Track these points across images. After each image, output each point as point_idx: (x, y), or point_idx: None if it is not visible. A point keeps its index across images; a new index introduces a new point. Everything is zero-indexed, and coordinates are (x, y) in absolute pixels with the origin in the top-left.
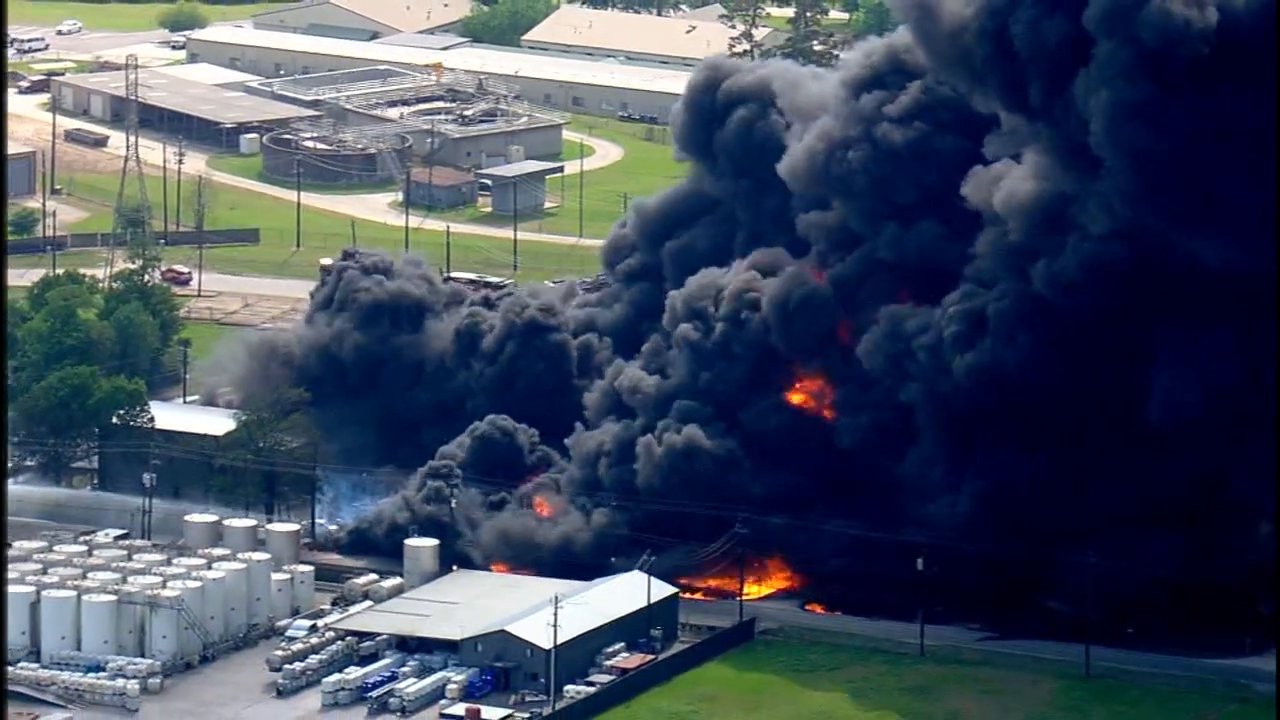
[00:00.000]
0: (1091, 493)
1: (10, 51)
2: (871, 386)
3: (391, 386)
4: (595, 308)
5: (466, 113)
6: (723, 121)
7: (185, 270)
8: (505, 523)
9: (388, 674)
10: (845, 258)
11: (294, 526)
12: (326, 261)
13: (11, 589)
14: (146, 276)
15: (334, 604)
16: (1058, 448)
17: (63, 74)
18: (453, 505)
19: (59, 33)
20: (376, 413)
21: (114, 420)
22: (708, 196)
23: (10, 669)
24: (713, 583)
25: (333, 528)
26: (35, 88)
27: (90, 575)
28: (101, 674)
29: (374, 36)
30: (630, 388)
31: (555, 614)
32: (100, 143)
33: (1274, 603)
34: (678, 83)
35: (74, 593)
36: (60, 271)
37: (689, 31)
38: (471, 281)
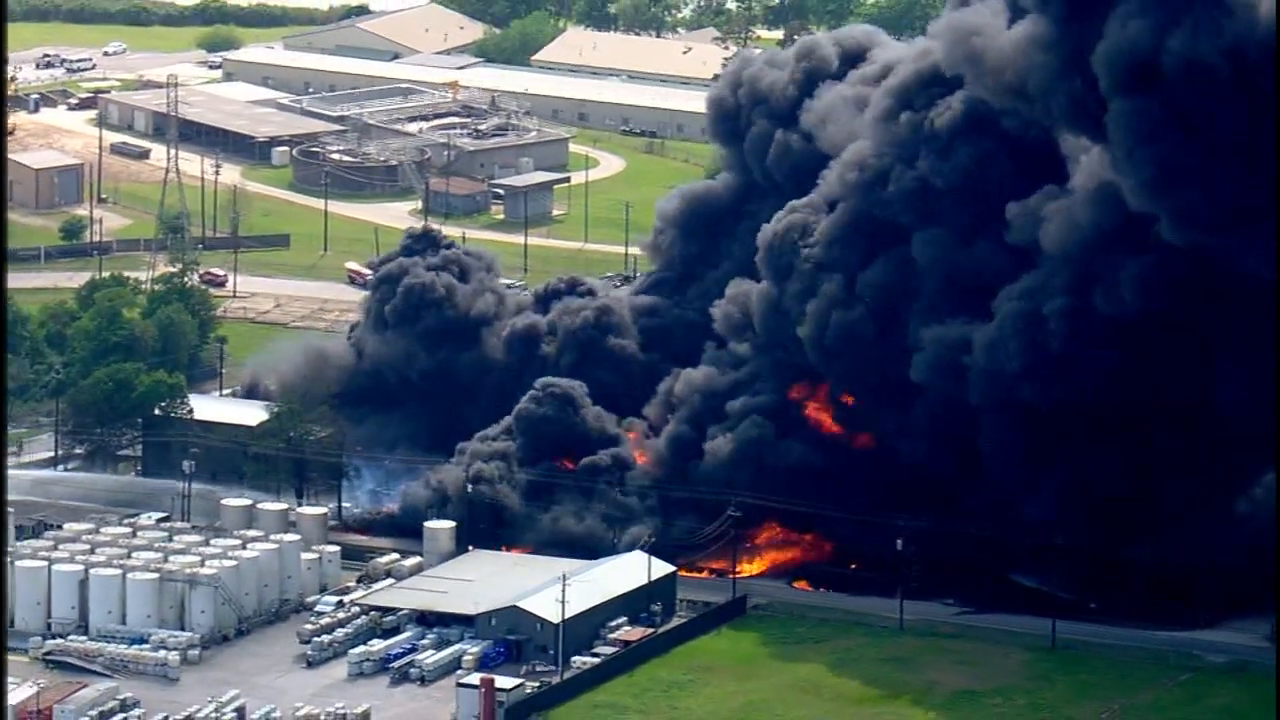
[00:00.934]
0: (1162, 486)
1: (60, 71)
2: (913, 400)
3: (453, 400)
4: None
5: (480, 127)
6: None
7: (221, 273)
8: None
9: (408, 646)
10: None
11: (322, 510)
12: (353, 266)
13: (61, 567)
14: (186, 279)
15: (359, 581)
16: (1129, 444)
17: (109, 92)
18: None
19: (105, 54)
20: (436, 425)
21: (156, 412)
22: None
23: (60, 641)
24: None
25: (384, 508)
26: (83, 104)
27: (134, 555)
28: (145, 646)
29: (395, 57)
30: (692, 390)
31: (563, 591)
32: (143, 155)
33: (1275, 596)
34: (676, 100)
35: (119, 571)
36: (106, 274)
37: (686, 52)
38: None
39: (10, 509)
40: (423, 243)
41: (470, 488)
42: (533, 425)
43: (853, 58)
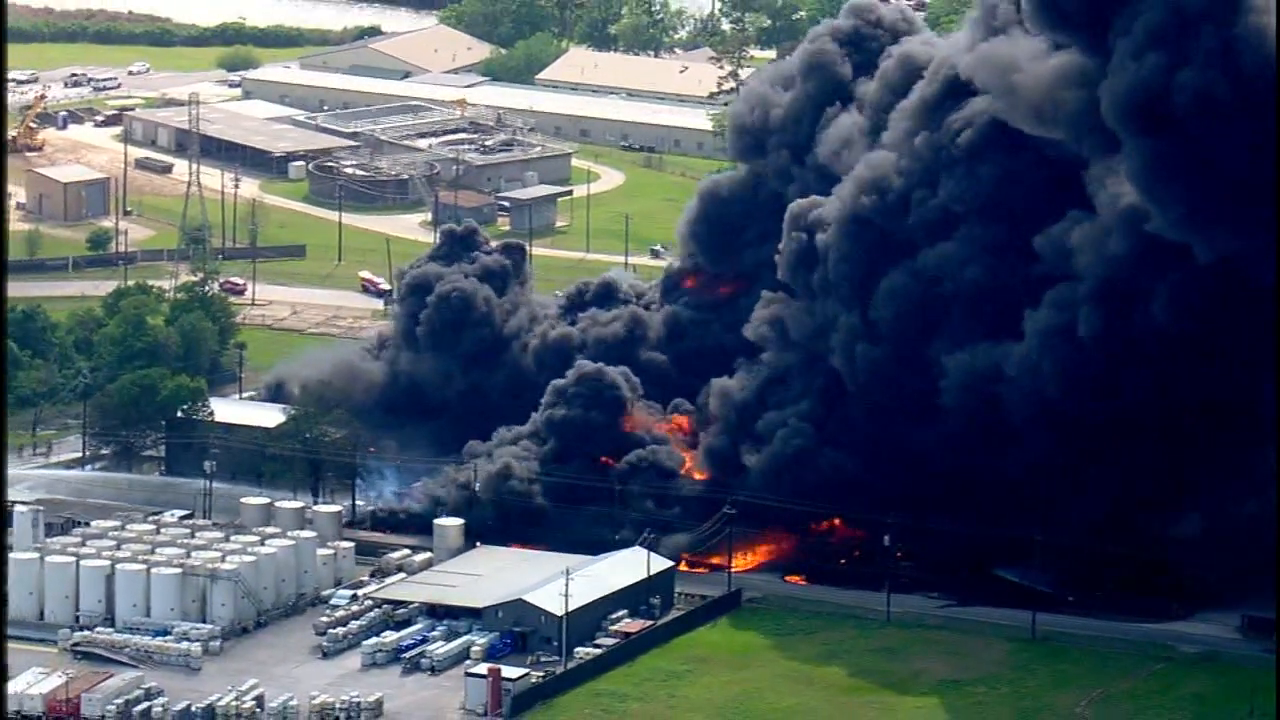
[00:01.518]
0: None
1: (87, 89)
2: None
3: (487, 414)
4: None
5: (487, 143)
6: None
7: (241, 281)
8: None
9: (419, 638)
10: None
11: (337, 508)
12: (366, 275)
13: (89, 563)
14: (207, 287)
15: (372, 576)
16: (1171, 445)
17: (133, 109)
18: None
19: (130, 73)
20: (467, 436)
21: (178, 414)
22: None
23: (88, 633)
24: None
25: (409, 504)
26: (109, 121)
27: (158, 551)
28: (168, 637)
29: (406, 76)
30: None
31: (566, 585)
32: (166, 170)
33: (1276, 595)
34: (673, 116)
35: (144, 566)
36: (131, 283)
37: (682, 71)
38: None
39: (40, 507)
40: (459, 245)
41: (485, 488)
42: (569, 422)
43: (864, 65)
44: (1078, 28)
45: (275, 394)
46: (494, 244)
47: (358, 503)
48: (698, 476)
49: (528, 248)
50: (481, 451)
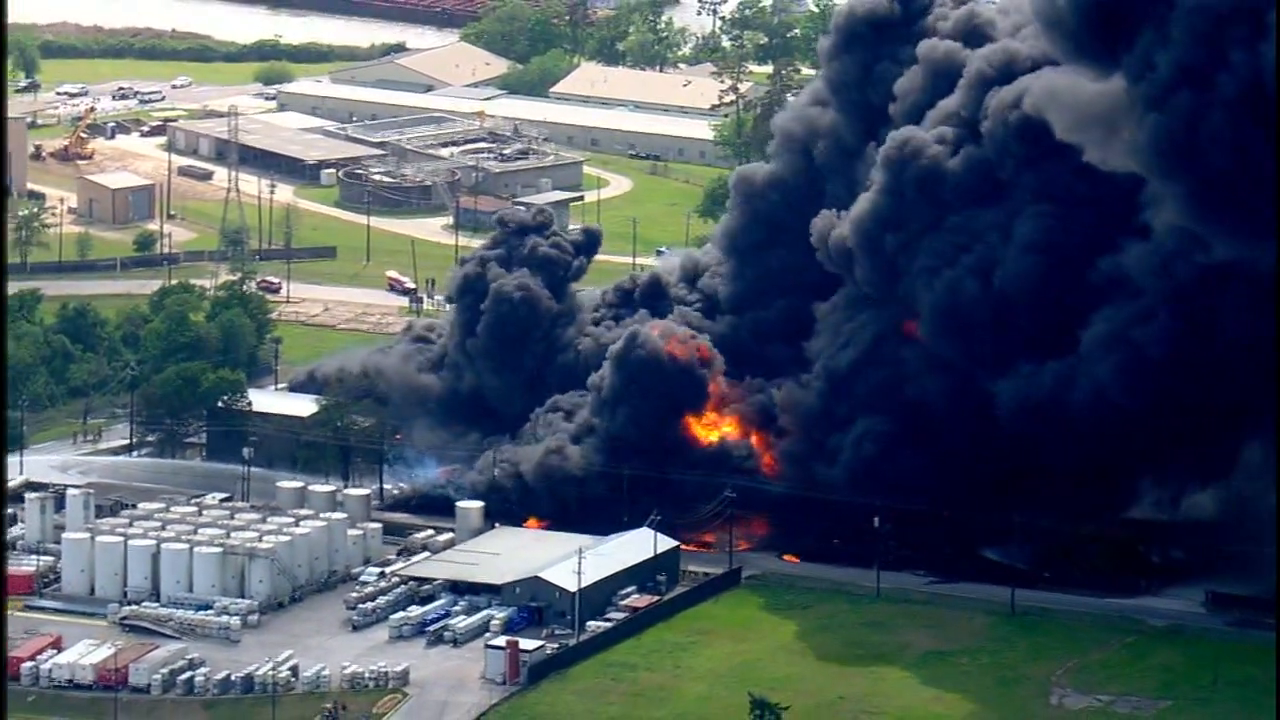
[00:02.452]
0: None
1: (133, 102)
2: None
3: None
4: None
5: (504, 152)
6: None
7: (276, 280)
8: None
9: (442, 612)
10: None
11: (366, 491)
12: (392, 274)
13: (136, 542)
14: (244, 286)
15: (399, 554)
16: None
17: (176, 120)
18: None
19: (173, 86)
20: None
21: (219, 404)
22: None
23: (135, 607)
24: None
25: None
26: (154, 131)
27: (200, 531)
28: (210, 612)
29: (429, 89)
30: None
31: (579, 563)
32: (207, 176)
33: (1276, 593)
34: (677, 127)
35: (187, 545)
36: (175, 282)
37: (686, 85)
38: None
39: (90, 490)
40: (520, 234)
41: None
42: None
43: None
44: (1095, 57)
45: (304, 385)
46: (574, 225)
47: (386, 486)
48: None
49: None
50: (530, 436)
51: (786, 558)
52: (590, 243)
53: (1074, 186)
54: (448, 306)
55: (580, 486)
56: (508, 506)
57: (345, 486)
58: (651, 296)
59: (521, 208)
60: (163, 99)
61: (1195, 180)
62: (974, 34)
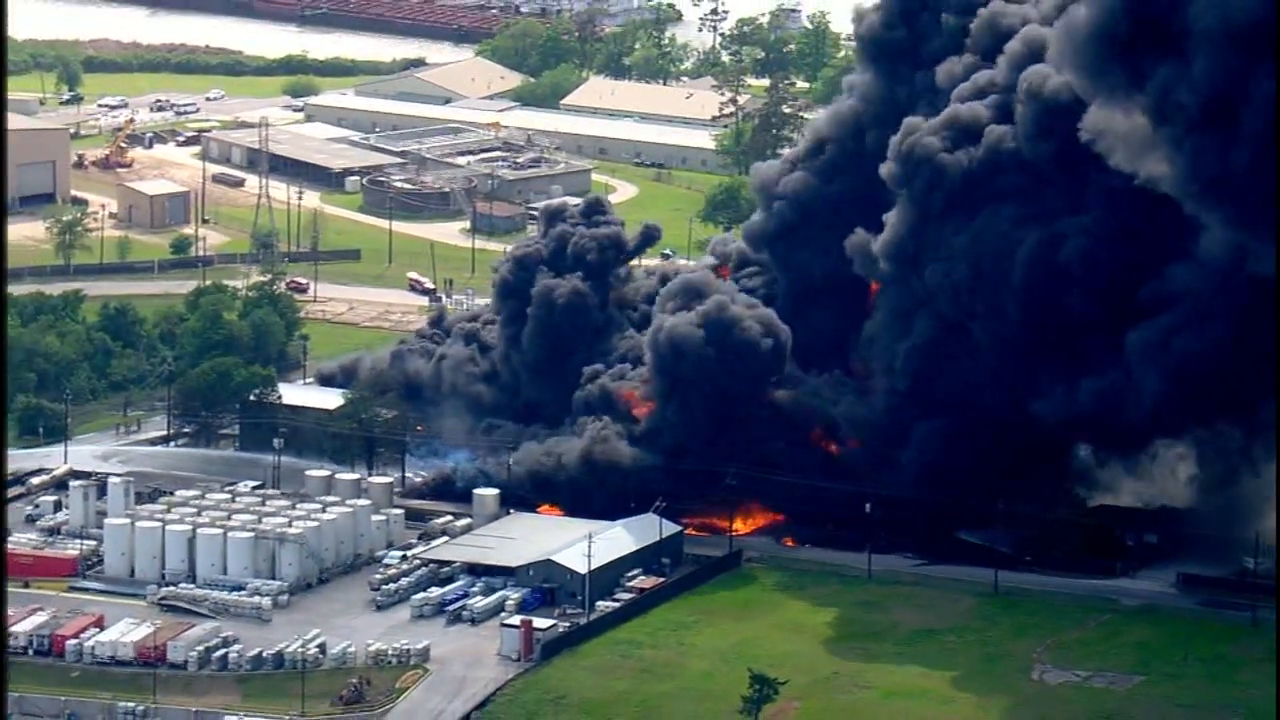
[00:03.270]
0: None
1: (170, 113)
2: None
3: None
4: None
5: (518, 160)
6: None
7: (304, 281)
8: None
9: (461, 593)
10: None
11: (388, 479)
12: (413, 275)
13: (173, 527)
14: (274, 286)
15: (420, 539)
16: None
17: (210, 131)
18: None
19: (207, 99)
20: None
21: (251, 397)
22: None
23: (172, 588)
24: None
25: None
26: (189, 141)
27: (233, 517)
28: (242, 592)
29: (447, 101)
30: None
31: (589, 547)
32: (239, 184)
33: (1277, 592)
34: (680, 137)
35: (221, 530)
36: (209, 283)
37: (688, 97)
38: None
39: (131, 479)
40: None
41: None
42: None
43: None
44: (1117, 87)
45: (331, 380)
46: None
47: (407, 475)
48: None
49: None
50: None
51: (785, 541)
52: (647, 239)
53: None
54: (467, 303)
55: (626, 478)
56: (545, 497)
57: (369, 475)
58: (693, 295)
59: (573, 198)
60: (197, 111)
61: (1233, 208)
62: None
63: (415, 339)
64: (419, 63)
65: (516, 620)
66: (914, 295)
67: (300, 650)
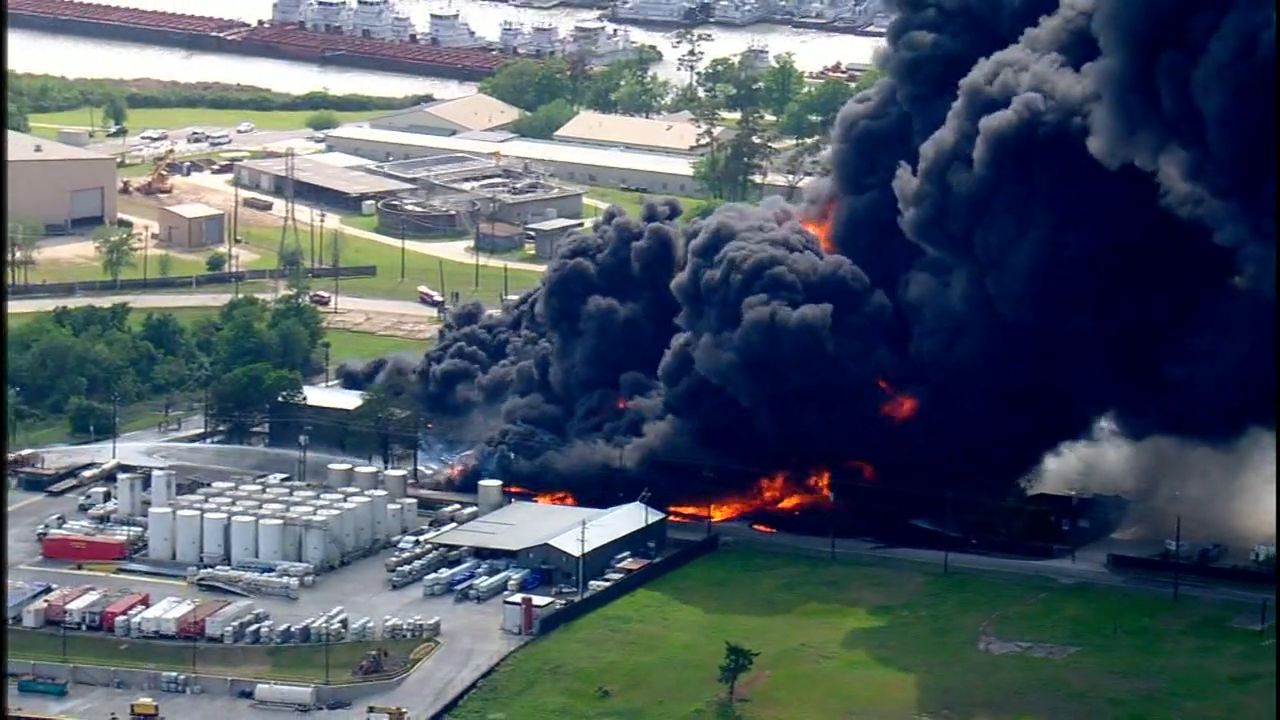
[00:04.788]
0: None
1: (205, 144)
2: None
3: None
4: None
5: (517, 186)
6: None
7: (326, 295)
8: None
9: (468, 574)
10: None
11: (402, 472)
12: (423, 289)
13: (210, 515)
14: (299, 299)
15: (431, 525)
16: None
17: (241, 160)
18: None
19: (238, 131)
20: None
21: (279, 399)
22: None
23: (210, 570)
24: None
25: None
26: (222, 169)
27: (264, 506)
28: (272, 573)
29: (453, 133)
30: None
31: (583, 532)
32: (267, 207)
33: (1276, 592)
34: (661, 164)
35: (253, 518)
36: (241, 296)
37: (668, 129)
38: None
39: (173, 472)
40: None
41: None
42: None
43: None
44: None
45: (348, 383)
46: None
47: (420, 468)
48: None
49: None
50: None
51: (757, 527)
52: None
53: None
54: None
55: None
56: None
57: (385, 468)
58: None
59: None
60: (230, 142)
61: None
62: None
63: (446, 330)
64: (428, 99)
65: (518, 598)
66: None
67: (324, 625)
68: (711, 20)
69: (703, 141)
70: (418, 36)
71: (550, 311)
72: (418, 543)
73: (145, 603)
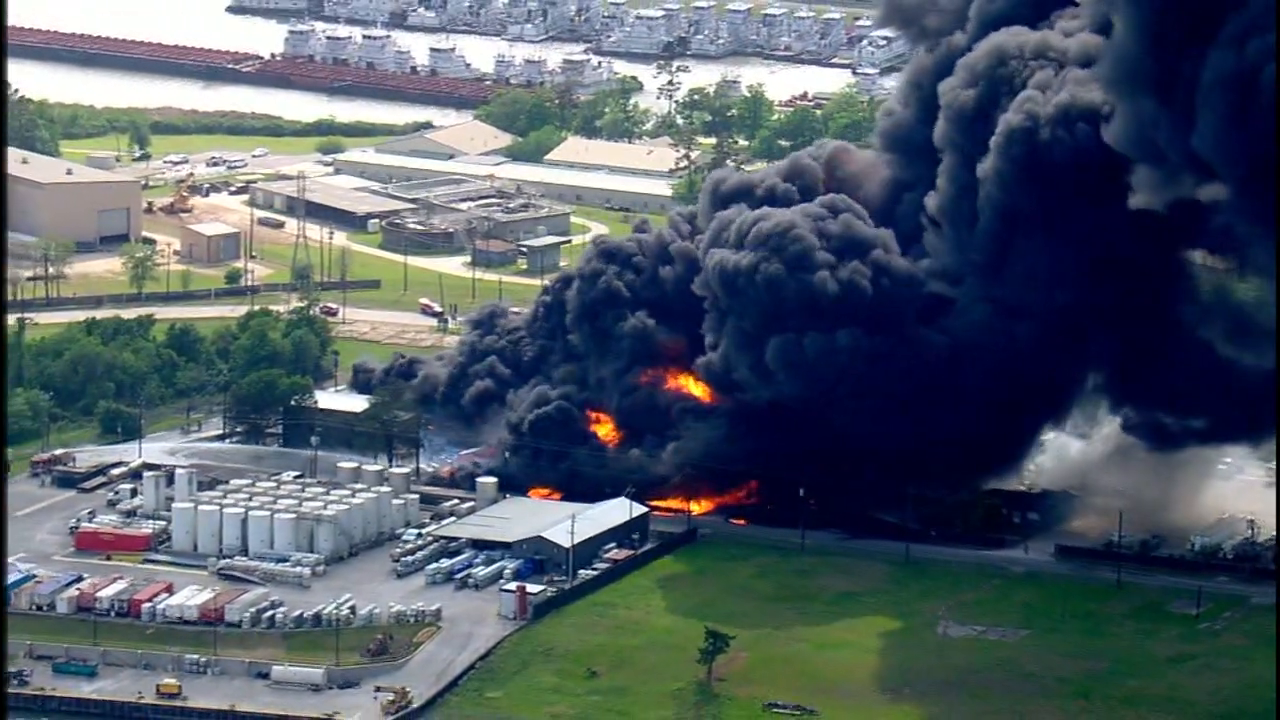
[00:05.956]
0: None
1: (223, 168)
2: None
3: None
4: None
5: (510, 205)
6: None
7: (334, 306)
8: None
9: (466, 563)
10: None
11: (406, 469)
12: (424, 300)
13: (229, 510)
14: (310, 310)
15: (432, 519)
16: None
17: (256, 182)
18: None
19: (253, 156)
20: None
21: (292, 402)
22: None
23: (229, 560)
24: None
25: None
26: (238, 191)
27: (278, 501)
28: (286, 563)
29: (451, 157)
30: None
31: (573, 525)
32: (280, 225)
33: (1277, 591)
34: (642, 185)
35: (269, 512)
36: (256, 308)
37: (649, 153)
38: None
39: (194, 470)
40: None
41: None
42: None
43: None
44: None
45: (360, 386)
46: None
47: (424, 466)
48: None
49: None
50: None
51: (733, 520)
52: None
53: None
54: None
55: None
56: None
57: (390, 466)
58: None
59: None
60: (245, 166)
61: None
62: None
63: (468, 333)
64: (427, 125)
65: (513, 586)
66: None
67: (334, 611)
68: (688, 53)
69: (681, 164)
70: (418, 68)
71: (583, 337)
72: (420, 535)
73: (169, 591)
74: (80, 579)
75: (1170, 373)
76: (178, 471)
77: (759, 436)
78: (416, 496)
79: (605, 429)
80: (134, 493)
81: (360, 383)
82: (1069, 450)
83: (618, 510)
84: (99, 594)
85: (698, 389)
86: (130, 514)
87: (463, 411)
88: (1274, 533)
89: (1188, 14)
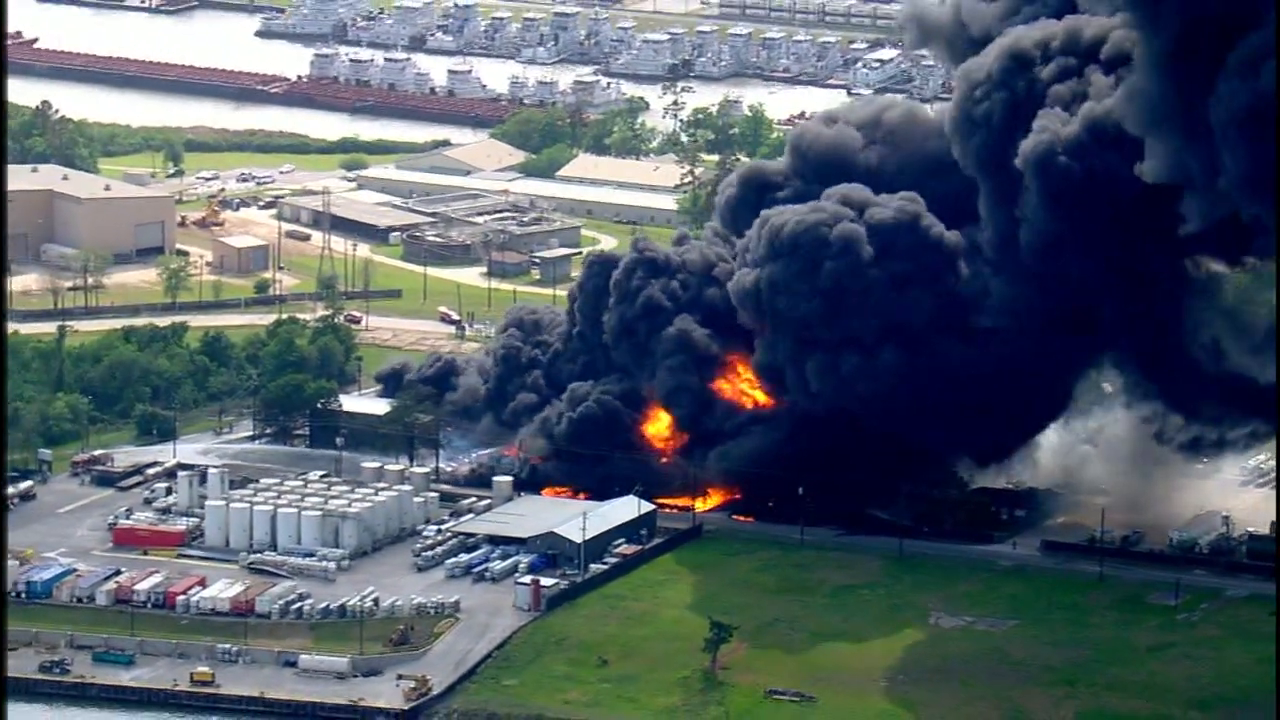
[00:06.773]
0: None
1: (252, 184)
2: None
3: None
4: None
5: (523, 219)
6: None
7: (358, 314)
8: None
9: (483, 558)
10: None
11: (426, 469)
12: (443, 309)
13: (259, 507)
14: (335, 319)
15: (451, 515)
16: None
17: (283, 197)
18: None
19: (281, 172)
20: None
21: (318, 405)
22: None
23: (259, 555)
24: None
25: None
26: (267, 205)
27: (306, 499)
28: (313, 558)
29: (468, 173)
30: None
31: (584, 521)
32: (306, 238)
33: (1276, 591)
34: (649, 200)
35: (296, 510)
36: (285, 316)
37: (655, 170)
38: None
39: (226, 469)
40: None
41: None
42: None
43: None
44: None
45: (387, 390)
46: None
47: (442, 465)
48: None
49: None
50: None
51: (736, 517)
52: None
53: None
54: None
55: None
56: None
57: (411, 466)
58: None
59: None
60: (273, 181)
61: None
62: None
63: (505, 338)
64: (445, 143)
65: (528, 579)
66: None
67: (359, 603)
68: (692, 74)
69: (685, 180)
70: (437, 89)
71: (620, 353)
72: (440, 531)
73: (203, 584)
74: (118, 573)
75: (1202, 385)
76: (210, 471)
77: (815, 439)
78: (436, 495)
79: (657, 427)
80: (169, 491)
81: (391, 383)
82: (1057, 448)
83: (627, 508)
84: (136, 587)
85: (753, 393)
86: (165, 511)
87: (503, 422)
88: (1247, 529)
89: (1202, 46)
